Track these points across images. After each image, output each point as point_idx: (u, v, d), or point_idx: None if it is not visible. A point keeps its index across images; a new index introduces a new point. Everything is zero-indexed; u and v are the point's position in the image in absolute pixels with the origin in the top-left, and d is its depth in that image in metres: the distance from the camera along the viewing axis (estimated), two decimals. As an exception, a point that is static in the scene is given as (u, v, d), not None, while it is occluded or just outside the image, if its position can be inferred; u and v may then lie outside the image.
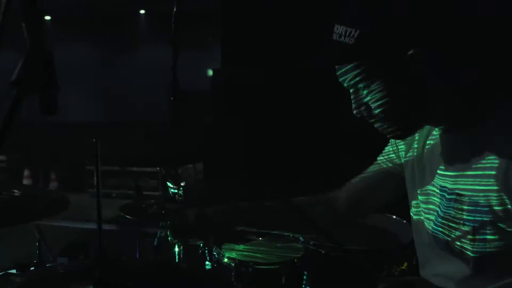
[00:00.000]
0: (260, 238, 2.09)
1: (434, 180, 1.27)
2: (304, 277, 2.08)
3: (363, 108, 1.21)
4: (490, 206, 1.12)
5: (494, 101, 1.18)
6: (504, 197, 1.09)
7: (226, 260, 1.89)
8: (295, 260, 1.90)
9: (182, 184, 2.27)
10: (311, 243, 2.05)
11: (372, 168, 1.55)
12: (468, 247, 1.19)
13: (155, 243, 2.12)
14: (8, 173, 8.42)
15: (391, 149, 1.50)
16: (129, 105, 8.11)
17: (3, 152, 8.32)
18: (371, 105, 1.18)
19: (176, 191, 2.24)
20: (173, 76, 2.58)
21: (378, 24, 1.11)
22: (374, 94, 1.17)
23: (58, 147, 7.72)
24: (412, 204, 1.39)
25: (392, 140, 1.48)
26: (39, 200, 1.35)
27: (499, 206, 1.10)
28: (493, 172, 1.11)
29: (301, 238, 2.10)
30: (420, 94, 1.16)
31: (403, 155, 1.43)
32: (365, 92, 1.18)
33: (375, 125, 1.23)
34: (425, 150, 1.34)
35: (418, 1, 1.12)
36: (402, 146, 1.44)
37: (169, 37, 2.55)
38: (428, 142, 1.34)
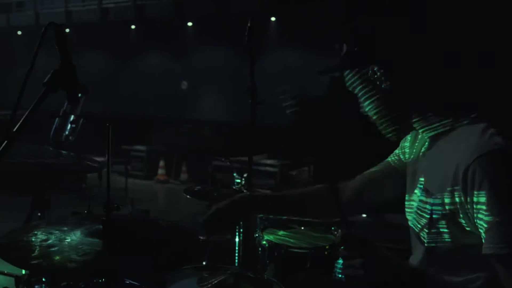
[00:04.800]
0: (302, 228, 2.36)
1: (419, 179, 1.45)
2: (338, 265, 2.30)
3: (364, 110, 1.44)
4: (444, 202, 1.29)
5: (458, 117, 1.34)
6: (455, 193, 1.25)
7: (264, 242, 2.19)
8: (326, 247, 2.14)
9: (244, 175, 2.61)
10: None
11: (381, 164, 1.72)
12: (426, 236, 1.36)
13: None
14: (146, 162, 9.45)
15: (398, 151, 1.68)
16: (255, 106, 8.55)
17: (144, 143, 9.35)
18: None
19: (239, 180, 2.58)
20: (251, 81, 2.92)
21: (357, 44, 1.35)
22: (362, 101, 1.41)
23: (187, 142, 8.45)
24: (406, 200, 1.56)
25: (401, 144, 1.67)
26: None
27: (450, 203, 1.27)
28: (448, 174, 1.28)
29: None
30: (391, 105, 1.37)
31: (407, 157, 1.61)
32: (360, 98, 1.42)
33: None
34: (420, 155, 1.52)
35: (384, 29, 1.33)
36: (407, 150, 1.62)
37: (246, 47, 2.90)
38: (423, 148, 1.52)
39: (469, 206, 1.23)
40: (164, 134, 2.28)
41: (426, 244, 1.36)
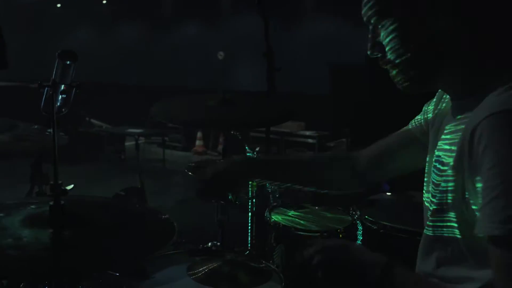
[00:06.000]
0: (317, 207, 2.13)
1: (435, 149, 1.19)
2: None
3: (376, 48, 1.15)
4: (451, 180, 1.02)
5: (494, 78, 1.05)
6: (461, 167, 0.97)
7: (271, 223, 1.98)
8: (339, 230, 1.91)
9: (256, 149, 2.40)
10: (366, 217, 2.02)
11: (400, 131, 1.47)
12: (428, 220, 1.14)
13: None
14: (184, 133, 9.36)
15: (421, 117, 1.42)
16: (291, 75, 8.30)
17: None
18: (386, 47, 1.12)
19: (251, 154, 2.38)
20: (266, 46, 2.66)
21: None
22: (389, 35, 1.10)
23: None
24: (425, 175, 1.31)
25: (424, 108, 1.41)
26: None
27: (456, 180, 1.01)
28: (454, 147, 1.02)
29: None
30: (431, 47, 1.08)
31: (429, 123, 1.35)
32: (382, 32, 1.13)
33: (387, 69, 1.15)
34: (435, 115, 1.28)
35: None
36: (430, 115, 1.36)
37: (258, 9, 2.63)
38: (439, 107, 1.28)
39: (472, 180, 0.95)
40: (164, 106, 2.08)
41: (424, 230, 1.14)
